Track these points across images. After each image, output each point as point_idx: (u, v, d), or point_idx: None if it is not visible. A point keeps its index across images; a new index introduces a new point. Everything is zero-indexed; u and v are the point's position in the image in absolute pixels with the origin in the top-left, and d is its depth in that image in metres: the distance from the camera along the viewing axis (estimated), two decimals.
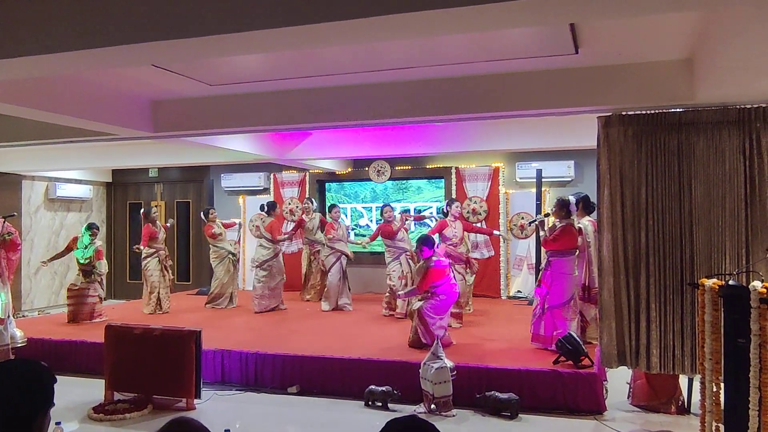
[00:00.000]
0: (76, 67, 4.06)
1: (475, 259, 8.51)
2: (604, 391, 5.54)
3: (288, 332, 7.56)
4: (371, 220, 11.28)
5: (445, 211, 8.18)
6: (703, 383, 3.98)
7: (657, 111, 5.09)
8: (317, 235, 10.00)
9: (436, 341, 5.67)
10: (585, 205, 6.79)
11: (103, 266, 8.82)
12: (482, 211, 10.36)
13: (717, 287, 3.79)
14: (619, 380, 5.90)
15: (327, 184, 11.72)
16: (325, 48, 4.58)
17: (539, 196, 9.18)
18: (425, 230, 9.29)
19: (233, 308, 9.48)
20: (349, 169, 11.22)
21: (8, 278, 7.05)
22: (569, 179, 10.04)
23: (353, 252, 9.46)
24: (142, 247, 9.05)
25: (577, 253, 6.54)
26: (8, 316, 6.70)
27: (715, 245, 4.90)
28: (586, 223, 6.65)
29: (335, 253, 9.11)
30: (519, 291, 10.16)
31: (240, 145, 8.02)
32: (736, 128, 4.87)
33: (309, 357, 6.22)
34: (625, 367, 5.29)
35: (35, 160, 10.29)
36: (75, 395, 5.95)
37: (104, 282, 9.00)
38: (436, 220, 10.01)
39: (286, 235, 9.66)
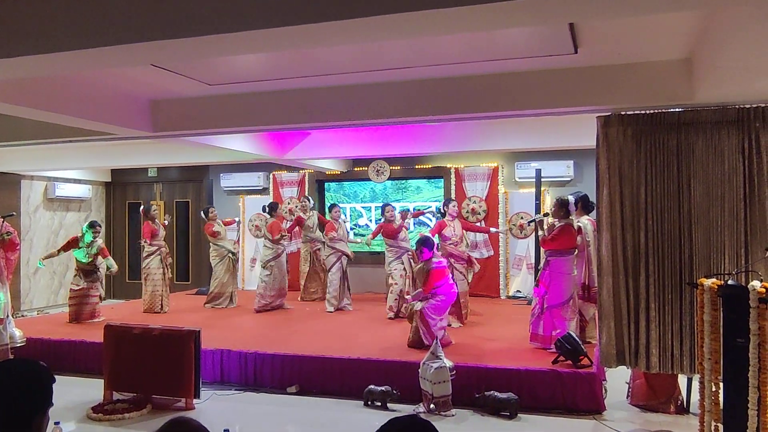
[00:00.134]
0: (75, 67, 4.06)
1: (475, 258, 8.51)
2: (603, 391, 5.55)
3: (287, 332, 7.56)
4: (370, 220, 11.28)
5: (442, 211, 8.19)
6: (702, 383, 3.98)
7: (656, 111, 5.09)
8: (317, 233, 10.01)
9: (435, 341, 5.68)
10: (584, 205, 6.79)
11: (112, 264, 8.84)
12: (481, 211, 10.36)
13: (716, 287, 3.79)
14: (618, 380, 5.91)
15: (326, 184, 11.72)
16: (324, 48, 4.57)
17: (538, 196, 9.18)
18: (424, 229, 9.30)
19: (233, 308, 9.47)
20: (349, 169, 11.22)
21: (7, 278, 7.05)
22: (568, 179, 10.05)
23: (353, 252, 9.46)
24: (147, 240, 9.06)
25: (575, 253, 6.55)
26: (7, 316, 6.69)
27: (714, 245, 4.91)
28: (585, 222, 6.65)
29: (336, 252, 9.11)
30: (518, 291, 10.16)
31: (239, 144, 8.02)
32: (735, 128, 4.87)
33: (308, 357, 6.22)
34: (624, 367, 5.29)
35: (34, 160, 10.28)
36: (74, 395, 5.95)
37: (103, 281, 8.99)
38: (434, 215, 10.05)
39: (286, 234, 9.64)
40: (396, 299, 8.36)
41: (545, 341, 6.29)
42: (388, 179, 10.96)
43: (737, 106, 4.87)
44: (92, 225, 8.73)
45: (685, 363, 4.98)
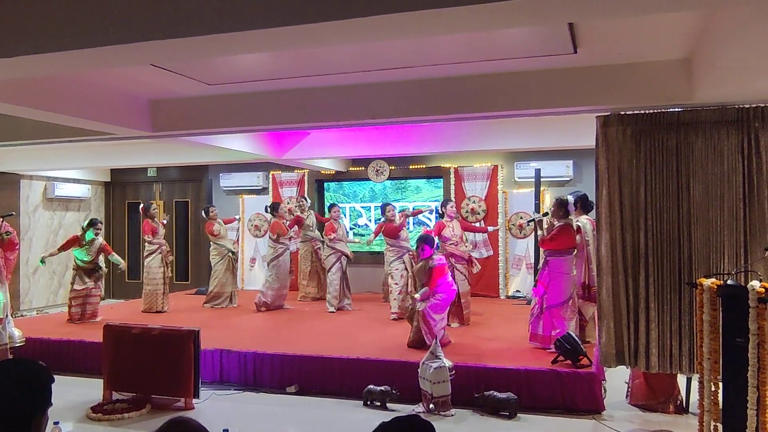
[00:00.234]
0: (74, 67, 4.06)
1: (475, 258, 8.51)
2: (603, 391, 5.55)
3: (287, 332, 7.56)
4: (370, 220, 11.28)
5: (440, 211, 8.19)
6: (701, 382, 3.98)
7: (655, 111, 5.10)
8: (315, 232, 10.02)
9: (435, 341, 5.68)
10: (583, 204, 6.79)
11: (119, 260, 8.87)
12: (481, 211, 10.36)
13: (715, 287, 3.79)
14: (617, 380, 5.91)
15: (326, 184, 11.71)
16: (324, 48, 4.57)
17: (538, 196, 9.18)
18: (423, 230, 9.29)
19: (233, 308, 9.47)
20: (348, 169, 11.22)
21: (6, 278, 7.05)
22: (568, 179, 10.05)
23: (352, 251, 9.47)
24: (150, 236, 9.08)
25: (575, 253, 6.55)
26: (6, 316, 6.69)
27: (713, 245, 4.91)
28: (584, 221, 6.65)
29: (335, 253, 9.11)
30: (518, 291, 10.17)
31: (238, 144, 8.02)
32: (734, 128, 4.87)
33: (308, 357, 6.22)
34: (624, 367, 5.29)
35: (34, 160, 10.28)
36: (73, 395, 5.95)
37: (102, 281, 8.98)
38: (432, 213, 10.05)
39: (292, 234, 9.62)
40: (396, 299, 8.34)
41: (544, 341, 6.29)
42: (388, 179, 10.96)
43: (737, 106, 4.87)
44: (93, 223, 8.71)
45: (684, 363, 4.98)
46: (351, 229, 11.08)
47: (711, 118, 4.93)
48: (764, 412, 3.46)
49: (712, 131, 4.93)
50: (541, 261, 6.80)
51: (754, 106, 4.85)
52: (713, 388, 3.87)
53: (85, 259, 8.51)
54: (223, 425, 3.51)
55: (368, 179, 11.01)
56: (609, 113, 5.22)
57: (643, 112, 5.13)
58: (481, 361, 5.85)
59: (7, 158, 10.21)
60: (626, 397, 5.66)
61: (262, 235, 11.70)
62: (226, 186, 11.98)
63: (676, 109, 5.04)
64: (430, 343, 6.11)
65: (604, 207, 5.18)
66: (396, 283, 8.39)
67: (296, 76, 5.58)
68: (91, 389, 6.03)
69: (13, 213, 9.61)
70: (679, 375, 5.30)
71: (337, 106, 5.92)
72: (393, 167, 10.81)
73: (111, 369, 5.84)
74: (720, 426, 3.80)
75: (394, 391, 5.57)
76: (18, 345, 6.79)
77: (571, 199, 6.69)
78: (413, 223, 10.42)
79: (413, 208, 10.05)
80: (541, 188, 9.41)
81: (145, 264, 9.19)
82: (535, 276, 7.86)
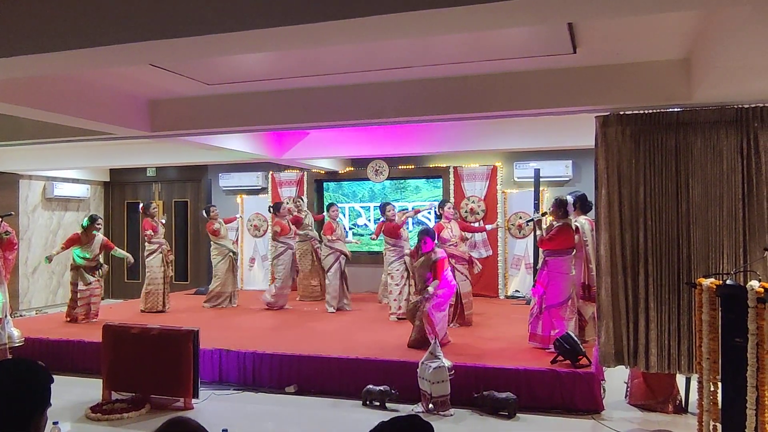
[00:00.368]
0: (73, 67, 4.06)
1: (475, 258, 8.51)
2: (602, 391, 5.55)
3: (286, 332, 7.56)
4: (369, 220, 11.28)
5: (438, 213, 8.18)
6: (700, 382, 3.98)
7: (655, 111, 5.10)
8: (314, 232, 10.03)
9: (434, 341, 5.68)
10: (582, 204, 6.79)
11: (124, 254, 8.89)
12: (480, 211, 10.36)
13: (714, 287, 3.79)
14: (616, 379, 5.91)
15: (325, 184, 11.71)
16: (324, 48, 4.57)
17: (537, 196, 9.18)
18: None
19: (233, 308, 9.46)
20: (348, 169, 11.21)
21: (5, 277, 7.03)
22: (567, 179, 10.05)
23: (351, 251, 9.47)
24: (152, 232, 9.08)
25: (573, 253, 6.55)
26: (5, 316, 6.69)
27: (712, 245, 4.91)
28: (583, 221, 6.66)
29: (334, 252, 9.11)
30: (517, 291, 10.17)
31: (238, 144, 8.02)
32: (733, 128, 4.88)
33: (307, 356, 6.22)
34: (623, 367, 5.30)
35: (33, 160, 10.27)
36: (72, 395, 5.94)
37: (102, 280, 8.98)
38: (430, 212, 10.05)
39: (292, 235, 9.63)
40: (396, 300, 8.33)
41: (544, 341, 6.29)
42: (387, 179, 10.96)
43: (736, 106, 4.88)
44: (93, 219, 8.66)
45: (683, 363, 4.99)
46: (350, 228, 11.08)
47: (710, 118, 4.94)
48: (763, 412, 3.46)
49: (711, 131, 4.94)
50: (540, 261, 6.80)
51: (753, 106, 4.86)
52: (712, 388, 3.87)
53: (88, 256, 8.48)
54: (222, 425, 3.51)
55: (367, 179, 11.01)
56: (608, 113, 5.22)
57: (642, 112, 5.14)
58: (480, 361, 5.85)
59: (6, 158, 10.20)
60: (625, 397, 5.66)
61: (262, 235, 11.70)
62: (226, 186, 11.97)
63: (676, 109, 5.05)
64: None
65: (604, 207, 5.18)
66: (396, 284, 8.39)
67: (296, 76, 5.58)
68: (90, 389, 6.03)
69: (12, 213, 9.59)
70: (678, 375, 5.31)
71: (337, 106, 5.92)
72: (392, 167, 10.81)
73: (110, 369, 5.84)
74: (719, 426, 3.80)
75: (393, 391, 5.57)
76: (17, 345, 6.79)
77: (570, 199, 6.69)
78: (413, 223, 10.42)
79: (412, 209, 10.05)
80: (541, 188, 9.42)
81: (146, 264, 9.18)
82: (534, 276, 7.86)
